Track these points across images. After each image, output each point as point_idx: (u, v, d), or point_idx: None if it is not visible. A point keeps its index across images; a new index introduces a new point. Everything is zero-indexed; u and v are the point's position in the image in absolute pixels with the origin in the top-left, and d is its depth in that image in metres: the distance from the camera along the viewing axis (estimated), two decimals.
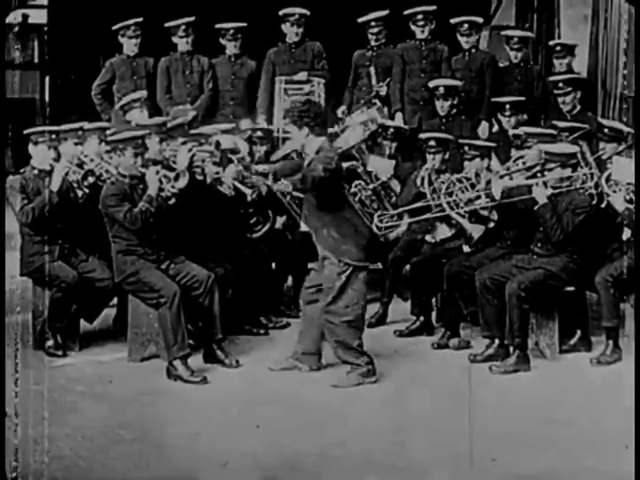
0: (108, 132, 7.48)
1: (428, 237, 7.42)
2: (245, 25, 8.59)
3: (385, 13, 8.50)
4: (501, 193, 6.88)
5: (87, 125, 7.36)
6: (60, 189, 6.85)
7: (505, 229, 7.06)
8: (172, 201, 6.76)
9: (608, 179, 6.80)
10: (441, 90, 8.01)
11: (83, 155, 7.12)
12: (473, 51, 8.47)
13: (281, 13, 8.60)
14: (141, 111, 7.86)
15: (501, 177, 6.99)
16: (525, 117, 7.84)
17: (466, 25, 8.40)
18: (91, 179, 7.04)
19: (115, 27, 8.47)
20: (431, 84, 8.10)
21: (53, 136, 6.99)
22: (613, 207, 6.77)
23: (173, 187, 6.74)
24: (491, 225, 7.07)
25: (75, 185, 7.00)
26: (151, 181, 6.72)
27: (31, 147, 6.97)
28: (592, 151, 7.18)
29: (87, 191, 7.02)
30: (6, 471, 5.29)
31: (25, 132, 6.94)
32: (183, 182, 6.77)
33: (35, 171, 6.97)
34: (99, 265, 6.96)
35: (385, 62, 8.55)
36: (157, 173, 6.73)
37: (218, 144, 7.30)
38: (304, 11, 8.58)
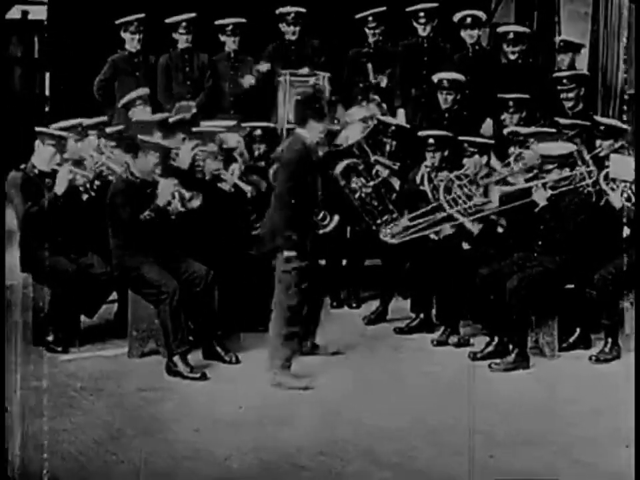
0: (108, 129, 7.50)
1: (431, 234, 7.41)
2: (244, 20, 8.57)
3: (381, 9, 8.50)
4: (499, 198, 6.91)
5: (85, 121, 7.35)
6: (65, 192, 6.86)
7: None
8: (174, 217, 6.76)
9: (606, 177, 6.82)
10: (445, 83, 7.98)
11: (85, 153, 7.13)
12: (477, 47, 8.46)
13: (277, 12, 8.60)
14: (144, 108, 7.87)
15: (497, 182, 7.02)
16: (524, 114, 7.83)
17: (469, 20, 8.37)
18: (98, 182, 7.04)
19: (117, 22, 8.46)
20: (435, 77, 8.08)
21: (63, 141, 7.01)
22: (611, 205, 6.79)
23: (183, 206, 6.75)
24: (500, 229, 7.07)
25: (82, 189, 7.00)
26: (164, 193, 6.72)
27: (37, 144, 6.98)
28: (589, 149, 7.19)
29: (93, 194, 7.03)
30: (7, 467, 5.29)
31: (37, 129, 6.94)
32: (196, 203, 6.78)
33: (36, 170, 6.97)
34: (97, 260, 6.96)
35: (382, 58, 8.54)
36: (174, 186, 6.74)
37: (222, 143, 7.31)
38: (300, 9, 8.56)
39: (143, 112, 7.79)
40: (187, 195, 6.75)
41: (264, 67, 8.47)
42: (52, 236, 6.88)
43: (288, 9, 8.54)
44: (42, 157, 6.99)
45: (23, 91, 9.11)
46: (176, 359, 6.54)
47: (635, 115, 7.17)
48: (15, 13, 8.93)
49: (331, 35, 8.72)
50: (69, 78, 8.66)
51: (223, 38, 8.60)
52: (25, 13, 9.16)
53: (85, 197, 7.02)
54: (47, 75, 8.84)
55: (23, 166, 7.02)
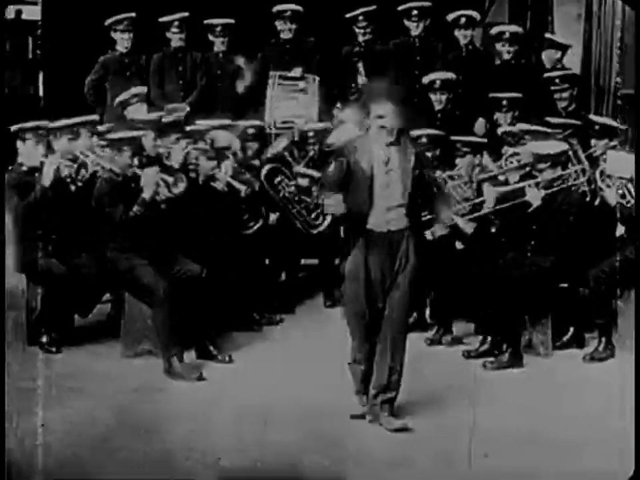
0: (100, 127, 7.49)
1: (426, 234, 7.41)
2: (232, 21, 8.58)
3: (372, 8, 8.50)
4: (494, 199, 6.92)
5: (77, 120, 7.34)
6: (52, 183, 6.83)
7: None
8: (164, 206, 6.75)
9: (602, 174, 6.84)
10: (438, 83, 7.99)
11: (77, 151, 7.11)
12: (470, 47, 8.48)
13: (274, 9, 8.60)
14: (140, 106, 7.86)
15: (488, 179, 7.03)
16: (517, 113, 7.85)
17: (463, 19, 8.39)
18: (84, 172, 7.02)
19: (107, 22, 8.46)
20: (427, 78, 8.08)
21: (41, 131, 6.97)
22: (606, 204, 6.80)
23: (170, 191, 6.74)
24: (493, 229, 7.08)
25: (68, 179, 6.99)
26: (148, 184, 6.70)
27: (19, 144, 6.96)
28: (584, 149, 7.20)
29: (80, 185, 7.01)
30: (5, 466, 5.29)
31: (13, 128, 6.91)
32: (181, 187, 6.77)
33: (24, 168, 6.95)
34: (91, 261, 6.94)
35: (373, 58, 8.54)
36: (156, 174, 6.73)
37: (212, 142, 7.31)
38: (297, 7, 8.56)
39: (139, 110, 7.78)
40: (170, 179, 6.74)
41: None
42: (45, 230, 6.87)
43: (285, 6, 8.56)
44: (25, 153, 6.96)
45: (17, 91, 9.10)
46: (173, 360, 6.53)
47: (635, 116, 7.16)
48: (9, 12, 8.93)
49: (323, 34, 8.72)
50: (63, 78, 8.66)
51: (211, 38, 8.60)
52: (18, 13, 9.16)
53: (72, 187, 7.00)
54: (41, 74, 8.84)
55: (10, 167, 6.99)
